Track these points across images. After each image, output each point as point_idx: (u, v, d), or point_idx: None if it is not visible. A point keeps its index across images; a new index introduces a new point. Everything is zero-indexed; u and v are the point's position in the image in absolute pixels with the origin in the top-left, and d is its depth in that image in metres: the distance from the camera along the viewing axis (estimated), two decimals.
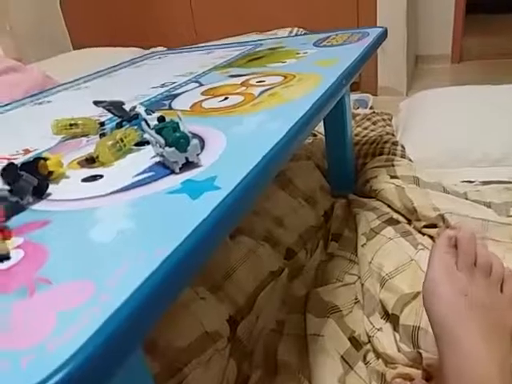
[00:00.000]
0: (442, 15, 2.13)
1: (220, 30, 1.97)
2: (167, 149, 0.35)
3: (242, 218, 0.33)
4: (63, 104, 0.71)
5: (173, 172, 0.36)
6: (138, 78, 0.83)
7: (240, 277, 0.65)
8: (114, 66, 0.97)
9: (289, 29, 1.63)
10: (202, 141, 0.42)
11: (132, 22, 2.28)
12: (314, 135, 1.13)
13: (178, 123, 0.37)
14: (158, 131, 0.37)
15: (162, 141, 0.36)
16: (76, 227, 0.30)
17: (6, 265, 0.27)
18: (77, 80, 0.88)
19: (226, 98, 0.55)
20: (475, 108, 1.09)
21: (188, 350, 0.53)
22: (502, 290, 0.45)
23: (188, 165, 0.36)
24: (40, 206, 0.34)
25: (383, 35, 0.85)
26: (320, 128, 1.08)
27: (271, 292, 0.64)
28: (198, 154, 0.37)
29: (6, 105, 0.76)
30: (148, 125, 0.41)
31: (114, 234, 0.28)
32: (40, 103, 0.73)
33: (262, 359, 0.54)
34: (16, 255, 0.28)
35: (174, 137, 0.35)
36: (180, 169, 0.36)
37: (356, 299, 0.62)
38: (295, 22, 1.73)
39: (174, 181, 0.34)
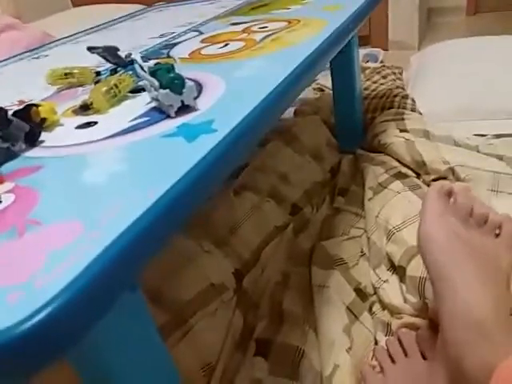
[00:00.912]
0: None
1: None
2: (162, 91, 0.33)
3: (238, 163, 0.31)
4: (60, 57, 0.69)
5: (168, 116, 0.34)
6: (136, 30, 0.80)
7: (245, 231, 0.65)
8: (112, 20, 0.94)
9: None
10: (199, 86, 0.40)
11: None
12: (322, 90, 1.09)
13: (172, 65, 0.35)
14: (152, 74, 0.35)
15: (156, 83, 0.34)
16: (68, 172, 0.29)
17: None
18: (75, 34, 0.85)
19: (227, 45, 0.53)
20: (488, 59, 1.04)
21: (194, 301, 0.54)
22: (498, 235, 0.44)
23: (184, 109, 0.35)
24: (32, 152, 0.33)
25: None
26: (328, 83, 1.04)
27: (276, 246, 0.64)
28: (194, 98, 0.35)
29: (3, 61, 0.74)
30: (143, 69, 0.39)
31: (106, 176, 0.27)
32: (37, 57, 0.71)
33: (268, 310, 0.54)
34: (7, 199, 0.27)
35: (168, 78, 0.33)
36: (176, 113, 0.34)
37: (362, 252, 0.62)
38: None
39: (170, 125, 0.33)
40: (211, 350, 0.51)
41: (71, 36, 0.85)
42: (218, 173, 0.28)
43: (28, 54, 0.76)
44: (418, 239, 0.44)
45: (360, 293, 0.56)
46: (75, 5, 2.14)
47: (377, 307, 0.56)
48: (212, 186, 0.28)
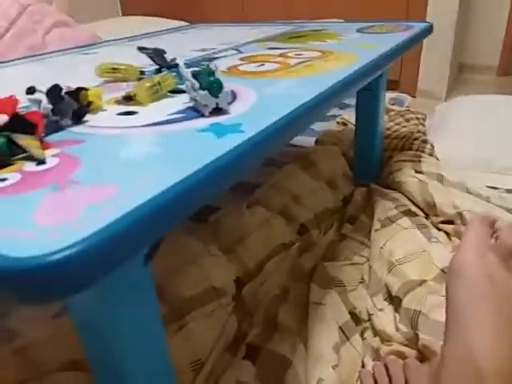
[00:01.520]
0: (494, 26, 2.07)
1: (267, 15, 1.99)
2: (201, 92, 0.37)
3: (258, 163, 0.34)
4: (108, 55, 0.74)
5: (203, 115, 0.38)
6: (180, 42, 0.86)
7: (252, 243, 0.67)
8: (159, 31, 1.00)
9: (335, 20, 1.62)
10: (234, 94, 0.43)
11: None
12: (345, 124, 1.13)
13: (213, 71, 0.39)
14: (194, 76, 0.39)
15: (197, 84, 0.38)
16: (108, 147, 0.33)
17: (41, 168, 0.30)
18: (123, 39, 0.91)
19: (263, 65, 0.57)
20: (511, 118, 1.07)
21: (193, 299, 0.56)
22: None
23: (218, 111, 0.38)
24: (77, 129, 0.37)
25: (428, 29, 0.85)
26: (352, 119, 1.08)
27: (280, 261, 0.66)
28: (228, 103, 0.39)
29: (52, 52, 0.79)
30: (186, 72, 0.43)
31: (142, 155, 0.31)
32: (86, 53, 0.76)
33: (263, 320, 0.56)
34: (52, 161, 0.30)
35: (208, 81, 0.37)
36: (210, 113, 0.38)
37: (362, 279, 0.64)
38: (344, 14, 1.72)
39: (203, 122, 0.36)
40: (202, 347, 0.53)
41: (119, 39, 0.91)
42: (240, 166, 0.31)
43: (78, 49, 0.82)
44: (450, 268, 0.40)
45: (354, 316, 0.57)
46: (124, 14, 2.25)
47: (368, 334, 0.57)
48: (232, 178, 0.31)
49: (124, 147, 0.32)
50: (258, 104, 0.41)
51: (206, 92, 0.36)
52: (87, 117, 0.39)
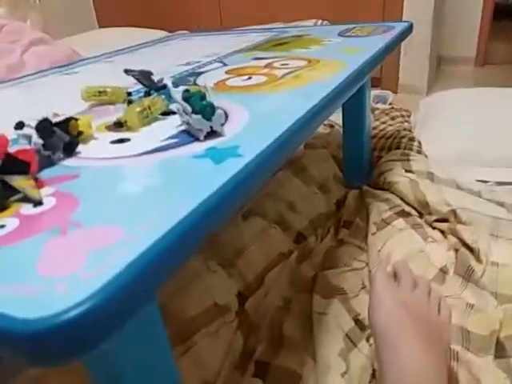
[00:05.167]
0: (469, 17, 2.10)
1: (245, 19, 1.98)
2: (194, 116, 0.36)
3: (259, 186, 0.34)
4: (90, 75, 0.73)
5: (197, 139, 0.37)
6: (162, 56, 0.85)
7: (251, 255, 0.67)
8: (138, 45, 0.99)
9: (313, 20, 1.63)
10: (225, 114, 0.43)
11: (158, 6, 2.29)
12: (331, 126, 1.13)
13: (205, 93, 0.38)
14: (186, 99, 0.38)
15: (189, 108, 0.37)
16: (105, 181, 0.32)
17: (39, 210, 0.29)
18: (102, 55, 0.90)
19: (250, 78, 0.56)
20: (495, 109, 1.08)
21: (197, 318, 0.55)
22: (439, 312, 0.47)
23: (212, 134, 0.37)
24: (70, 162, 0.36)
25: (408, 29, 0.85)
26: (338, 120, 1.08)
27: (280, 272, 0.66)
28: (222, 124, 0.38)
29: (33, 74, 0.78)
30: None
31: (141, 188, 0.30)
32: (67, 74, 0.75)
33: (268, 334, 0.56)
34: (48, 202, 0.29)
35: (201, 105, 0.36)
36: (204, 137, 0.37)
37: (363, 284, 0.63)
38: (320, 14, 1.73)
39: (199, 147, 0.36)
40: (211, 368, 0.52)
41: (99, 56, 0.89)
42: (242, 193, 0.31)
43: (58, 69, 0.80)
44: (368, 310, 0.46)
45: (359, 323, 0.57)
46: (101, 25, 2.23)
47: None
48: (235, 205, 0.31)
49: (122, 180, 0.32)
50: (251, 123, 0.40)
51: (199, 116, 0.36)
52: (79, 147, 0.38)
